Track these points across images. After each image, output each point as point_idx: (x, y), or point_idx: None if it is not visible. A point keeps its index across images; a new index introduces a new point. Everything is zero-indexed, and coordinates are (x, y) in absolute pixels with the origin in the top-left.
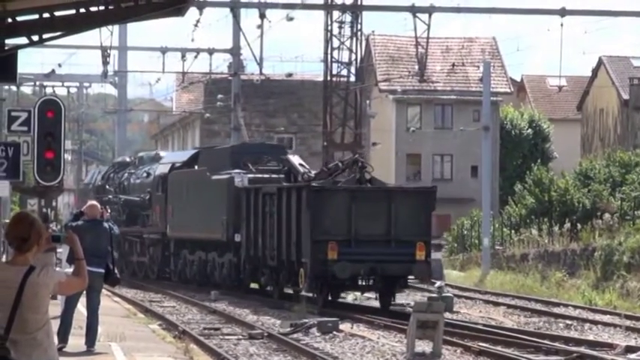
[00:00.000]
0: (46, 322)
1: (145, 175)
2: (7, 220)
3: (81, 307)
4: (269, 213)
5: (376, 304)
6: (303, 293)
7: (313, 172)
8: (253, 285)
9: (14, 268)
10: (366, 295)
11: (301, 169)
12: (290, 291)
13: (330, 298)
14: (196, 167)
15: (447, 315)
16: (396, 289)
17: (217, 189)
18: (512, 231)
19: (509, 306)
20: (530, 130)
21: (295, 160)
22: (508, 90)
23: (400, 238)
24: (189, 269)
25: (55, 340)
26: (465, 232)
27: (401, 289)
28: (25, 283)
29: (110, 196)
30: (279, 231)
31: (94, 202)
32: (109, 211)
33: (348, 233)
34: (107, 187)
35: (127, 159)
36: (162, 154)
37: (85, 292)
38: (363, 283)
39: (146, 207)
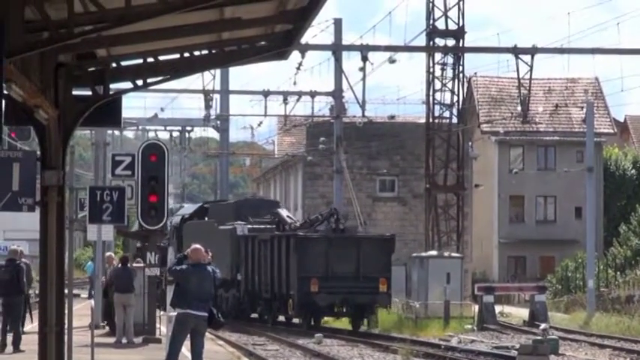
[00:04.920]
0: None
1: (168, 224)
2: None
3: (185, 351)
4: (263, 256)
5: (480, 347)
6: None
7: (298, 223)
8: (253, 315)
9: None
10: (472, 337)
11: (289, 220)
12: (282, 318)
13: (312, 322)
14: (206, 219)
15: (553, 357)
16: (364, 315)
17: (223, 237)
18: (618, 272)
19: (614, 348)
20: (634, 171)
21: (284, 212)
22: (611, 131)
23: (366, 274)
24: None
25: None
26: (570, 274)
27: (368, 315)
28: None
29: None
30: (271, 270)
31: (198, 246)
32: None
33: (326, 271)
34: None
35: None
36: (185, 205)
37: (189, 335)
38: (337, 310)
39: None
